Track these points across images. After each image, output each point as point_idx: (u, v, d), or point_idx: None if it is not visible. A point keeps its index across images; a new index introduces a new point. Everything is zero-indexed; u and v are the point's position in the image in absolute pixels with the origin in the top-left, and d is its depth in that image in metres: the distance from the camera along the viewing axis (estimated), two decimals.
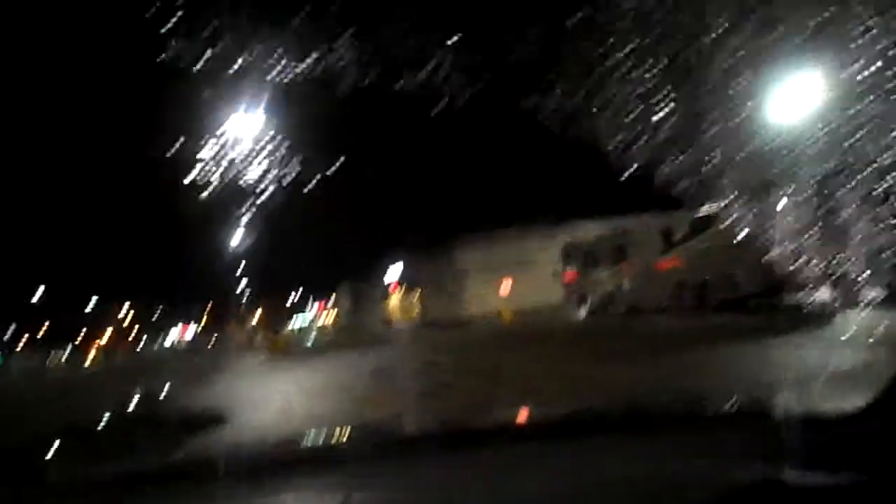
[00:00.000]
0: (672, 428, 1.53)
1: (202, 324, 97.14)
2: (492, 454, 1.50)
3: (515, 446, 1.58)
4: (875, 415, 1.15)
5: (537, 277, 35.09)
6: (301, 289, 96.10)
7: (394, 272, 52.97)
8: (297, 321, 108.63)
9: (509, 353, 15.53)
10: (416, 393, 9.94)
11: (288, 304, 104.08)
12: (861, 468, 1.13)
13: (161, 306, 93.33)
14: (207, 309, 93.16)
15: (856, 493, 1.06)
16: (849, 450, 1.13)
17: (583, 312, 24.53)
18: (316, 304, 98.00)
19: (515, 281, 33.02)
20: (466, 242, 40.60)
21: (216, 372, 20.58)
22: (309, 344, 40.17)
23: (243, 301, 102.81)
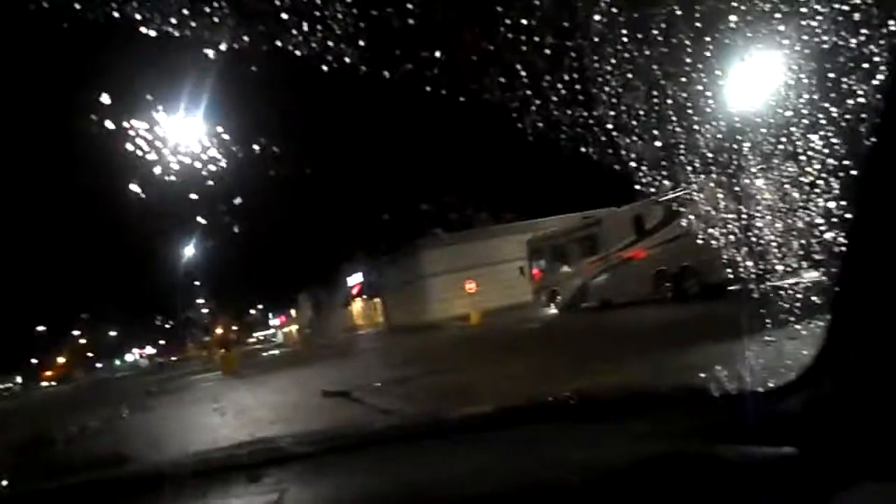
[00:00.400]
0: (616, 413, 1.52)
1: (162, 344, 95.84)
2: (438, 445, 1.54)
3: (458, 436, 1.60)
4: (803, 387, 1.15)
5: (504, 276, 33.69)
6: (262, 304, 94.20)
7: (355, 278, 51.07)
8: (260, 336, 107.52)
9: (476, 358, 14.01)
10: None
11: (251, 319, 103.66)
12: (792, 441, 1.15)
13: (119, 329, 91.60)
14: (168, 329, 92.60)
15: (786, 466, 1.08)
16: (780, 423, 1.13)
17: (553, 309, 23.07)
18: (278, 318, 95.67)
19: (482, 281, 31.49)
20: (428, 245, 38.96)
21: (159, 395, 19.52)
22: (266, 356, 38.08)
23: (202, 320, 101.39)
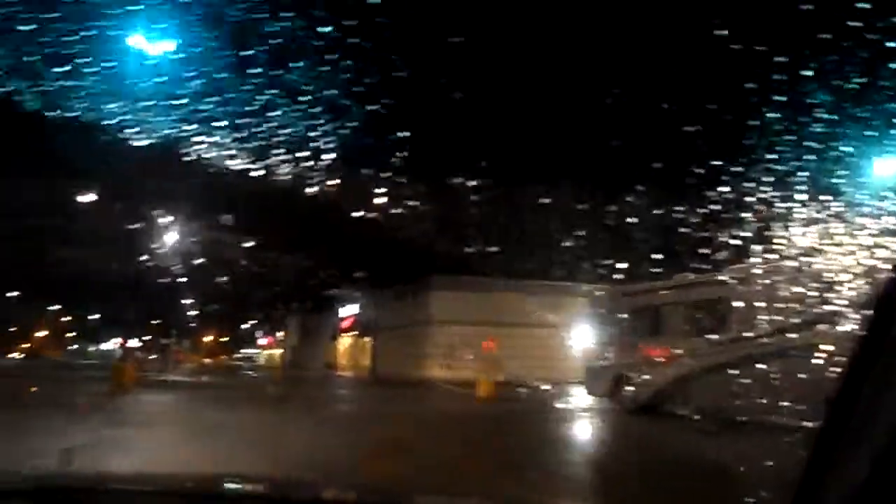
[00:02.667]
0: None
1: (146, 339, 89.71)
2: None
3: None
4: None
5: (532, 343, 25.35)
6: (256, 319, 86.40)
7: (348, 310, 42.73)
8: (247, 353, 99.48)
9: (480, 466, 6.68)
10: None
11: (243, 333, 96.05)
12: None
13: (100, 319, 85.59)
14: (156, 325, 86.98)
15: None
16: None
17: (613, 403, 14.57)
18: (266, 338, 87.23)
19: (501, 343, 23.06)
20: (442, 284, 30.56)
21: None
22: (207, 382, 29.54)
23: (190, 323, 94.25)
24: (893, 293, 0.79)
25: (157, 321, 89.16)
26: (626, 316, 14.33)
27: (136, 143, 16.39)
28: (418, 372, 29.31)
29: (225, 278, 56.16)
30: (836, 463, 0.83)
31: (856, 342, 0.83)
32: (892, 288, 0.80)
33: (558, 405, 17.54)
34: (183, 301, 77.30)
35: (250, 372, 43.86)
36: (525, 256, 31.03)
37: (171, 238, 36.81)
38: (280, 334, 72.52)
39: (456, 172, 33.80)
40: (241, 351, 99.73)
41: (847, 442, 0.81)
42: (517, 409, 16.51)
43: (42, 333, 75.85)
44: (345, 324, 42.93)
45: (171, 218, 33.91)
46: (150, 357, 70.37)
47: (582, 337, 16.88)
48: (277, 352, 74.59)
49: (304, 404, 16.09)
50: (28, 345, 73.47)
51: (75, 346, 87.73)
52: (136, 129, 15.56)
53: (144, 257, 45.88)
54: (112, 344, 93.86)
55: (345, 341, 44.58)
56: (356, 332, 41.03)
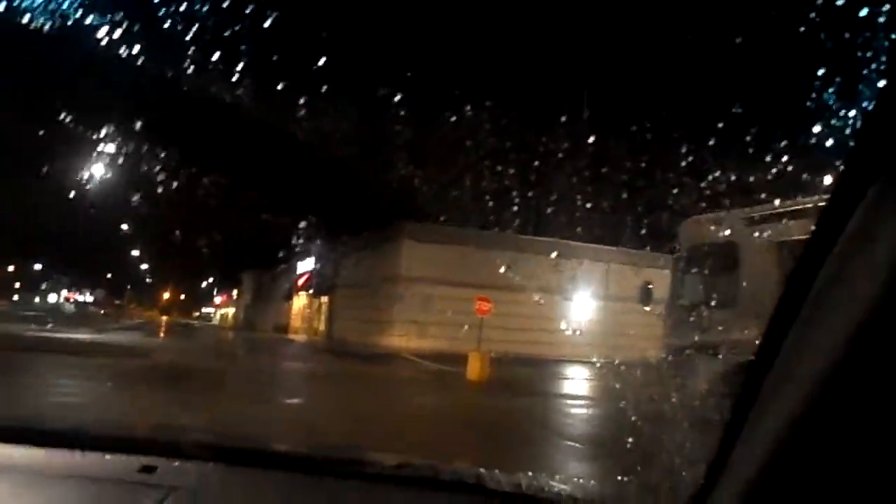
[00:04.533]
0: None
1: (99, 292, 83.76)
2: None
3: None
4: None
5: (522, 312, 19.46)
6: (215, 276, 79.62)
7: (305, 265, 36.04)
8: (205, 312, 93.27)
9: None
10: None
11: (202, 291, 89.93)
12: None
13: (47, 265, 79.60)
14: (108, 279, 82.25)
15: None
16: None
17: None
18: (220, 296, 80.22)
19: (497, 307, 16.62)
20: (413, 234, 24.04)
21: None
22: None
23: (143, 282, 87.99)
24: (825, 230, 0.68)
25: (110, 275, 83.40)
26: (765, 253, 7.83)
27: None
28: (382, 340, 22.99)
29: (176, 230, 49.70)
30: (754, 418, 0.74)
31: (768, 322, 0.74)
32: (825, 224, 0.69)
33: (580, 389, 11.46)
34: (135, 254, 70.94)
35: (189, 333, 37.04)
36: (519, 205, 24.65)
37: (117, 181, 32.35)
38: (235, 292, 65.63)
39: (439, 92, 27.18)
40: (202, 310, 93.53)
41: (765, 395, 0.73)
42: (526, 405, 10.28)
43: None
44: (301, 281, 36.29)
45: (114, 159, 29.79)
46: (102, 311, 64.61)
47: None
48: (231, 311, 67.75)
49: (211, 390, 9.60)
50: None
51: (15, 298, 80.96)
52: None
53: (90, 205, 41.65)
54: (55, 296, 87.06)
55: (299, 301, 38.00)
56: (311, 291, 34.41)
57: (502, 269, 19.44)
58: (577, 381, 16.22)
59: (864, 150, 0.68)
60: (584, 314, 22.08)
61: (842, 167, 0.70)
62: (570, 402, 11.92)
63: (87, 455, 1.42)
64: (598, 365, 14.48)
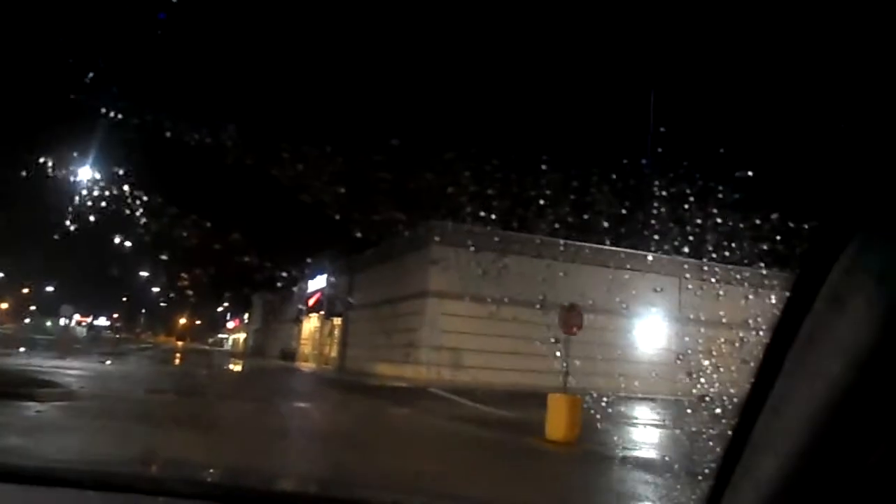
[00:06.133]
0: None
1: (114, 317, 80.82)
2: None
3: None
4: None
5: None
6: (227, 301, 75.65)
7: (316, 283, 31.21)
8: (217, 337, 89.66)
9: None
10: None
11: (217, 317, 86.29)
12: None
13: (58, 287, 77.23)
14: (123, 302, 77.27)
15: None
16: None
17: None
18: (233, 321, 75.80)
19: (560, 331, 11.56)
20: (444, 237, 19.03)
21: None
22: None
23: (161, 303, 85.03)
24: (802, 288, 0.71)
25: (125, 298, 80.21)
26: None
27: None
28: (405, 370, 18.04)
29: (186, 255, 46.27)
30: (744, 465, 0.76)
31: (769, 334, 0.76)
32: (802, 282, 0.72)
33: None
34: (149, 279, 67.93)
35: (191, 361, 32.36)
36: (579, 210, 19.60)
37: (131, 205, 29.65)
38: (246, 316, 60.98)
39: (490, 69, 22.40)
40: (218, 335, 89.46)
41: (754, 444, 0.75)
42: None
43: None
44: (311, 301, 31.46)
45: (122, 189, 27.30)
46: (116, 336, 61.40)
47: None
48: (242, 336, 63.06)
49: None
50: None
51: (27, 320, 78.25)
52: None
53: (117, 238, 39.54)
54: (65, 319, 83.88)
55: (310, 324, 33.12)
56: (322, 312, 29.50)
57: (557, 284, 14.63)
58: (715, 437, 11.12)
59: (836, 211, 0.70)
60: (675, 340, 17.08)
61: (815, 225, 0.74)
62: None
63: (73, 494, 1.35)
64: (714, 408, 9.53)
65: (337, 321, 27.68)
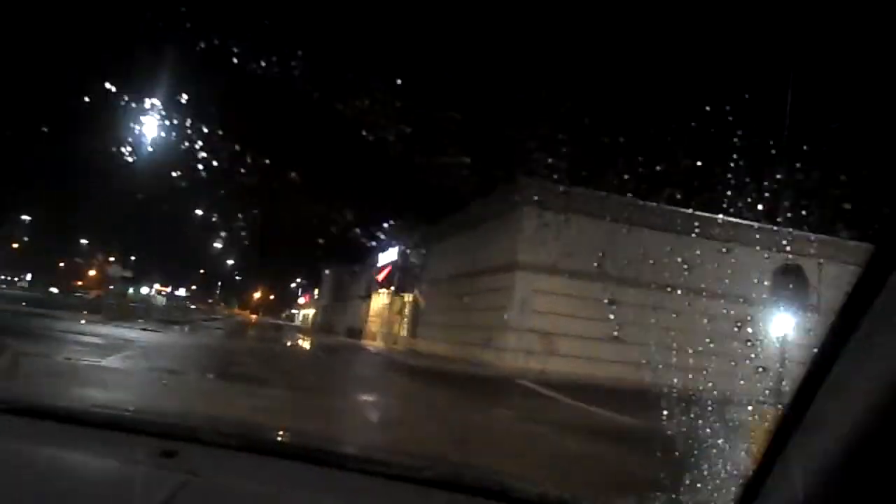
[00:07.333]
0: None
1: (193, 288, 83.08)
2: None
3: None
4: None
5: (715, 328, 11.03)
6: (300, 276, 75.38)
7: (388, 256, 28.69)
8: (290, 312, 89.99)
9: None
10: None
11: (291, 292, 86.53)
12: None
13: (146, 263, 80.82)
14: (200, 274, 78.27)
15: None
16: None
17: None
18: (304, 297, 75.04)
19: (678, 318, 8.48)
20: (540, 198, 15.86)
21: None
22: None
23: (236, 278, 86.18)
24: (866, 281, 0.70)
25: (202, 271, 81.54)
26: None
27: None
28: (487, 355, 15.15)
29: (261, 226, 45.37)
30: (797, 442, 0.77)
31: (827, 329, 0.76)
32: (866, 275, 0.70)
33: None
34: (225, 252, 68.48)
35: (257, 335, 30.74)
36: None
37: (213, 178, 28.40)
38: (316, 292, 59.59)
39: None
40: (291, 311, 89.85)
41: (809, 422, 0.75)
42: None
43: (92, 273, 72.07)
44: (381, 275, 28.99)
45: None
46: (193, 306, 62.29)
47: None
48: (312, 312, 61.79)
49: None
50: (81, 283, 70.43)
51: (111, 287, 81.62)
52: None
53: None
54: (146, 288, 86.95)
55: (379, 300, 30.70)
56: (393, 288, 26.95)
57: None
58: None
59: None
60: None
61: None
62: None
63: (110, 434, 1.39)
64: None
65: (408, 297, 25.05)
